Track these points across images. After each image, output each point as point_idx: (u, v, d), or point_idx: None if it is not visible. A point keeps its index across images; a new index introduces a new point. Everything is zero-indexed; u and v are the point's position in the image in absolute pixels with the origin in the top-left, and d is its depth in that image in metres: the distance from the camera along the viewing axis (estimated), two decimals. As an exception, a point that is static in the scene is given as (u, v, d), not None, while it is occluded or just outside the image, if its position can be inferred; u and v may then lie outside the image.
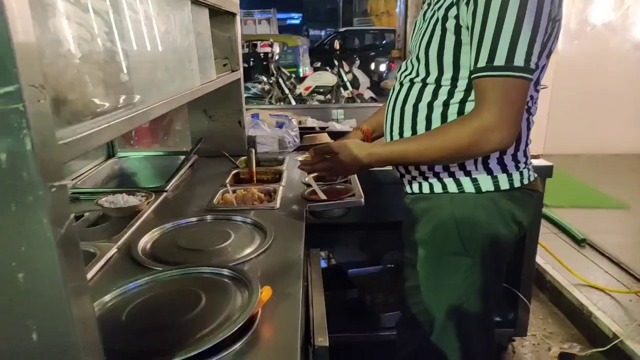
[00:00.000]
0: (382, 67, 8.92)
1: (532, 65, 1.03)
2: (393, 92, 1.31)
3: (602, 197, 4.21)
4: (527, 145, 1.26)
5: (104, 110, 0.70)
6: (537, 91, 1.21)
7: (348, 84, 6.47)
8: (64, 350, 0.62)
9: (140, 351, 0.83)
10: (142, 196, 1.56)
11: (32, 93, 0.51)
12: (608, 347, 2.30)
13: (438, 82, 1.19)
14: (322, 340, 1.05)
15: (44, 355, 0.62)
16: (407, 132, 1.26)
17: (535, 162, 2.06)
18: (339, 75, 6.42)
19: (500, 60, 1.02)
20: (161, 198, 1.62)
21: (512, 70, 1.02)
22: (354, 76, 6.93)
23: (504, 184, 1.21)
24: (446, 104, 1.18)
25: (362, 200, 1.46)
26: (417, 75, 1.23)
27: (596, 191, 4.33)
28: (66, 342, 0.61)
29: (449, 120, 1.19)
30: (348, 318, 2.30)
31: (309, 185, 1.62)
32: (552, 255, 2.89)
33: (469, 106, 1.16)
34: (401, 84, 1.28)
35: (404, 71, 1.29)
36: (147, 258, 1.18)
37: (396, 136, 1.29)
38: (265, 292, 0.95)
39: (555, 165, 2.05)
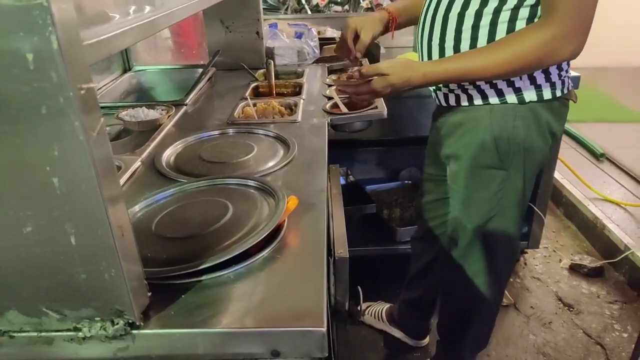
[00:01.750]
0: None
1: None
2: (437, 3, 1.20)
3: (625, 111, 4.10)
4: None
5: (126, 12, 0.67)
6: None
7: (367, -7, 6.14)
8: (102, 254, 0.64)
9: (172, 258, 0.85)
10: (162, 109, 1.55)
11: (55, -14, 0.48)
12: (618, 258, 2.35)
13: None
14: (342, 252, 1.08)
15: (83, 259, 0.64)
16: (449, 43, 1.18)
17: (563, 73, 1.99)
18: (358, -16, 6.08)
19: None
20: (181, 111, 1.60)
21: None
22: (373, -16, 6.56)
23: (547, 94, 1.17)
24: (497, 11, 1.09)
25: (385, 112, 1.43)
26: None
27: (620, 105, 4.22)
28: (104, 246, 0.63)
29: (498, 29, 1.11)
30: (366, 232, 2.36)
31: (330, 98, 1.58)
32: (569, 169, 2.87)
33: (523, 12, 1.08)
34: None
35: None
36: (171, 170, 1.19)
37: (436, 48, 1.21)
38: (292, 202, 0.96)
39: (582, 78, 1.98)
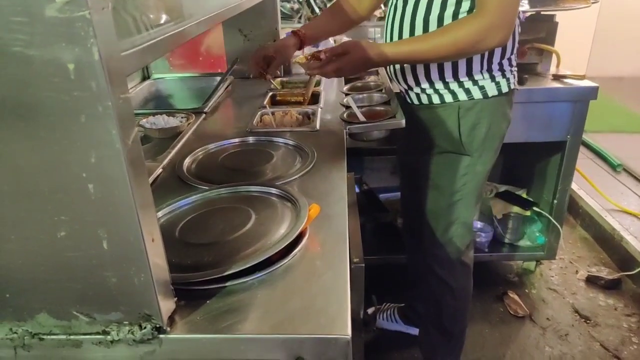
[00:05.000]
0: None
1: None
2: (397, 7, 1.38)
3: (642, 121, 4.05)
4: (516, 48, 1.41)
5: (157, 23, 0.68)
6: None
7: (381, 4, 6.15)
8: (133, 259, 0.65)
9: (196, 263, 0.86)
10: (182, 117, 1.57)
11: (96, 0, 0.49)
12: (636, 270, 2.32)
13: None
14: (357, 260, 1.08)
15: (114, 264, 0.65)
16: None
17: (580, 83, 1.98)
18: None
19: None
20: (201, 119, 1.62)
21: None
22: (386, -7, 6.58)
23: (504, 88, 1.39)
24: (456, 14, 1.28)
25: (403, 122, 1.43)
26: None
27: (636, 116, 4.17)
28: (135, 251, 0.64)
29: None
30: (380, 240, 2.37)
31: (347, 107, 1.59)
32: (586, 180, 2.85)
33: None
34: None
35: None
36: (193, 177, 1.20)
37: None
38: (314, 209, 0.97)
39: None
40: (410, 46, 1.28)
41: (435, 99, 1.41)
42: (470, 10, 1.27)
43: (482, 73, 1.36)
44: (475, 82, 1.36)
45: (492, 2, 1.17)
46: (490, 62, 1.35)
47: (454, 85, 1.37)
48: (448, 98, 1.39)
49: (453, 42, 1.23)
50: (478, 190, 1.52)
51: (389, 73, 1.51)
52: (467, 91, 1.37)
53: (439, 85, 1.39)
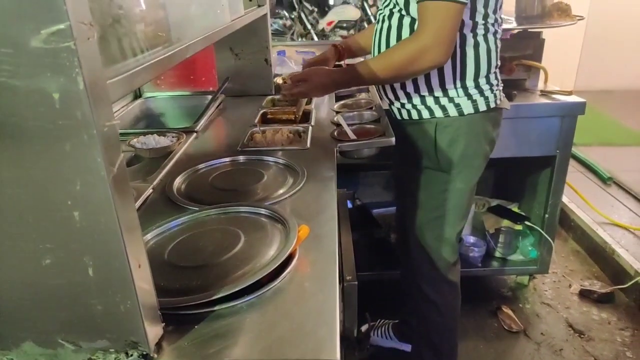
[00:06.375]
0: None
1: None
2: (377, 27, 1.45)
3: (631, 134, 4.10)
4: (497, 67, 1.42)
5: (144, 48, 0.69)
6: (497, 19, 1.37)
7: (372, 18, 6.20)
8: (119, 286, 0.64)
9: (184, 287, 0.85)
10: (173, 137, 1.57)
11: (82, 30, 0.50)
12: (629, 284, 2.33)
13: (408, 12, 1.33)
14: (350, 278, 1.08)
15: (99, 291, 0.65)
16: None
17: (568, 98, 2.01)
18: (363, 9, 6.15)
19: None
20: (191, 138, 1.62)
21: None
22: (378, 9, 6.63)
23: (482, 106, 1.40)
24: None
25: (393, 139, 1.44)
26: (395, 5, 1.37)
27: (626, 128, 4.22)
28: (121, 278, 0.64)
29: None
30: (373, 256, 2.36)
31: (338, 125, 1.60)
32: (577, 194, 2.87)
33: None
34: (383, 18, 1.42)
35: (384, 2, 1.43)
36: (183, 198, 1.20)
37: None
38: (303, 231, 0.97)
39: (587, 103, 1.99)
40: (355, 72, 1.37)
41: (414, 115, 1.45)
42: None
43: (456, 89, 1.38)
44: (450, 100, 1.39)
45: (427, 24, 1.22)
46: (463, 79, 1.37)
47: (430, 101, 1.41)
48: (425, 114, 1.43)
49: (389, 64, 1.30)
50: (461, 207, 1.53)
51: (377, 88, 1.57)
52: (443, 108, 1.40)
53: (416, 100, 1.43)
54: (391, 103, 1.51)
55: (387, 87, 1.47)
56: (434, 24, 1.21)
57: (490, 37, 1.36)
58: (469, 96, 1.39)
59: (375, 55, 1.47)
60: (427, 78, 1.38)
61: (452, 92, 1.38)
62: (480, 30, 1.33)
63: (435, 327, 1.69)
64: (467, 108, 1.39)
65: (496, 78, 1.44)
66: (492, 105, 1.42)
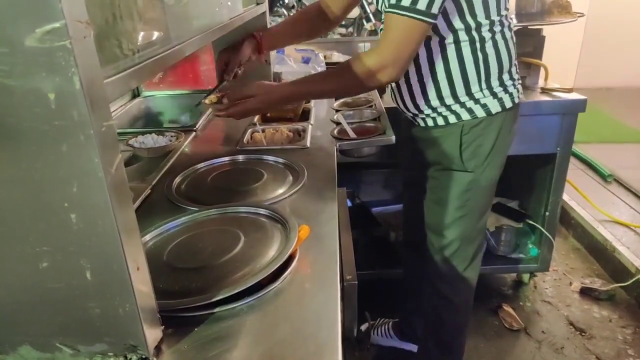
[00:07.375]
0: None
1: (434, 11, 1.12)
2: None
3: (631, 131, 4.09)
4: (516, 58, 1.41)
5: (142, 47, 0.68)
6: (507, 9, 1.33)
7: (371, 16, 6.16)
8: (117, 289, 0.63)
9: (184, 289, 0.84)
10: (171, 136, 1.56)
11: (78, 29, 0.49)
12: (630, 282, 2.32)
13: None
14: (350, 277, 1.07)
15: (97, 294, 0.64)
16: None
17: (568, 96, 2.00)
18: (362, 7, 6.13)
19: (406, 1, 1.11)
20: (190, 137, 1.61)
21: (414, 12, 1.12)
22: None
23: (508, 103, 1.37)
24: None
25: (393, 139, 1.43)
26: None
27: (625, 126, 4.21)
28: (119, 281, 0.63)
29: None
30: (373, 255, 2.35)
31: (337, 123, 1.59)
32: (577, 191, 2.86)
33: (450, 48, 1.28)
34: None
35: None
36: (182, 198, 1.19)
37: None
38: (303, 231, 0.96)
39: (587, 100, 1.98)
40: (306, 86, 1.33)
41: (440, 121, 1.40)
42: (429, 40, 1.28)
43: (482, 91, 1.35)
44: (477, 101, 1.35)
45: (385, 42, 1.19)
46: (488, 79, 1.34)
47: (455, 107, 1.37)
48: (452, 119, 1.38)
49: (343, 81, 1.27)
50: (483, 205, 1.51)
51: (396, 101, 1.50)
52: (470, 110, 1.36)
53: (441, 109, 1.38)
54: (415, 115, 1.46)
55: (408, 101, 1.42)
56: (395, 42, 1.18)
57: (507, 31, 1.34)
58: (494, 95, 1.36)
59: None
60: (452, 88, 1.34)
61: (478, 95, 1.35)
62: (497, 27, 1.30)
63: (448, 325, 1.67)
64: (495, 107, 1.36)
65: (517, 71, 1.43)
66: (516, 100, 1.41)
